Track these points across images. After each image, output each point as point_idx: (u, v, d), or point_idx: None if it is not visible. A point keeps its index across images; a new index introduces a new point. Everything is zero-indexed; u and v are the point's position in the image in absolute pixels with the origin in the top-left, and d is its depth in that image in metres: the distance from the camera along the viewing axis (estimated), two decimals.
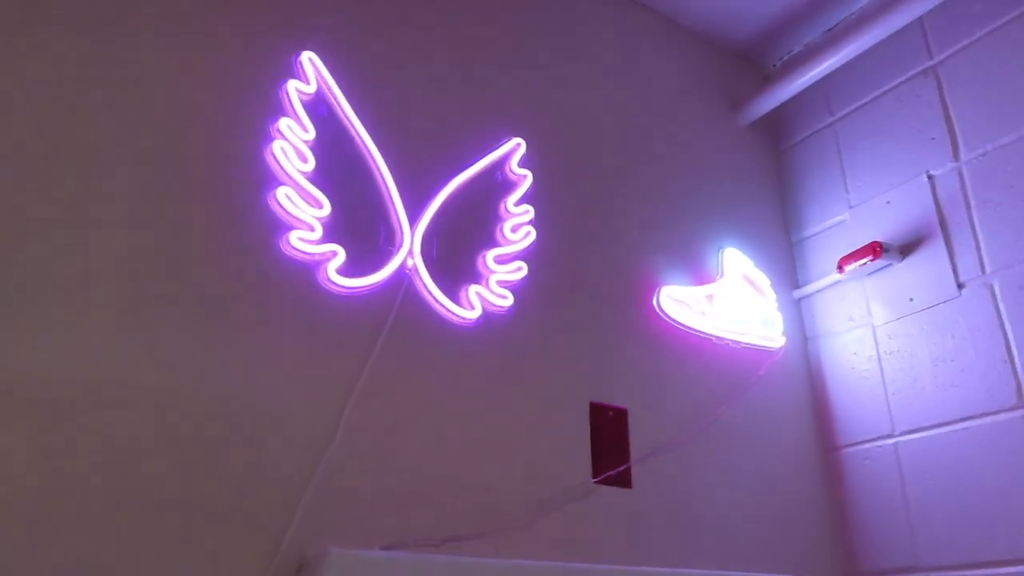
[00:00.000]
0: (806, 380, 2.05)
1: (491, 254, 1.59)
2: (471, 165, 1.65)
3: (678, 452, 1.72)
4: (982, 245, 1.78)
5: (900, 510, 1.81)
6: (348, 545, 1.25)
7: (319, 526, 1.26)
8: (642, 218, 1.91)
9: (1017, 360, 1.67)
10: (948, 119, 1.91)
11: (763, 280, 2.03)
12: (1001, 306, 1.72)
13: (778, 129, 2.35)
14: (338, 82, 1.53)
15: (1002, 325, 1.71)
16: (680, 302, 1.85)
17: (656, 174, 2.01)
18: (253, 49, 1.47)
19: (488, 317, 1.56)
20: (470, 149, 1.67)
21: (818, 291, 2.10)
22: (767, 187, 2.26)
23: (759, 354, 1.95)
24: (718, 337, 1.89)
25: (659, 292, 1.82)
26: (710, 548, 1.69)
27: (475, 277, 1.57)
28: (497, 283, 1.58)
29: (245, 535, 1.19)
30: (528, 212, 1.68)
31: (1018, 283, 1.70)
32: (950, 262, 1.83)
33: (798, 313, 2.13)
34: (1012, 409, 1.66)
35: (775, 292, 2.05)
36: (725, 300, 1.93)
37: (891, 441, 1.86)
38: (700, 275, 1.96)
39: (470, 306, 1.53)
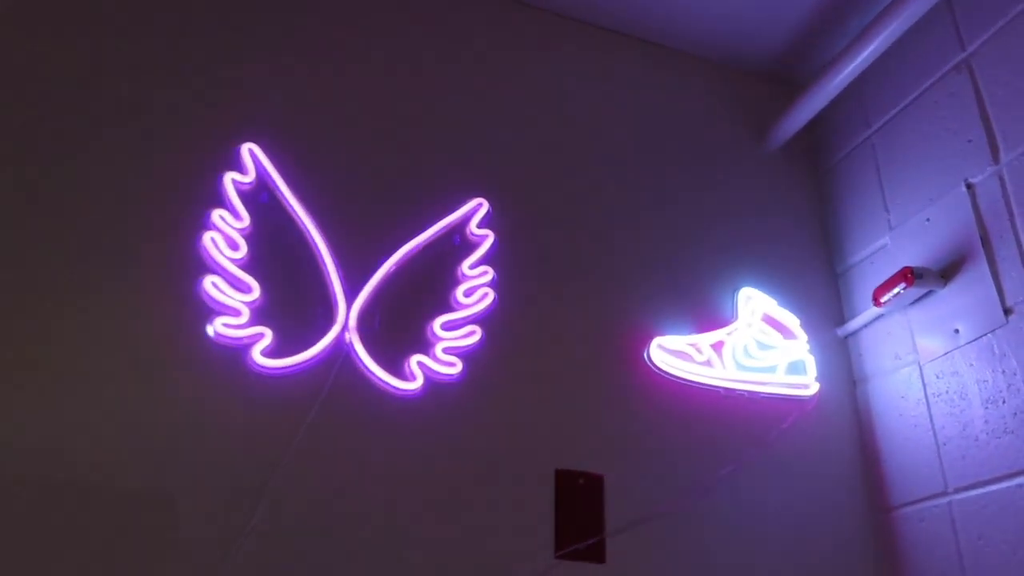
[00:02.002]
0: (851, 430, 1.79)
1: (439, 321, 1.55)
2: (425, 229, 1.63)
3: (674, 522, 1.56)
4: None
5: None
6: None
7: None
8: (635, 267, 1.78)
9: None
10: (985, 117, 1.63)
11: (791, 320, 1.81)
12: None
13: (814, 150, 2.12)
14: (280, 168, 1.57)
15: None
16: (678, 353, 1.70)
17: (659, 217, 1.87)
18: (194, 142, 1.55)
19: (435, 386, 1.51)
20: (426, 214, 1.65)
21: (861, 327, 1.85)
22: (803, 215, 2.03)
23: (785, 404, 1.74)
24: (727, 389, 1.70)
25: (650, 344, 1.68)
26: None
27: (421, 346, 1.54)
28: (443, 350, 1.53)
29: None
30: (486, 273, 1.62)
31: None
32: (995, 283, 1.54)
33: (844, 353, 1.88)
34: None
35: (809, 332, 1.82)
36: (738, 346, 1.75)
37: (945, 500, 1.57)
38: (713, 322, 1.79)
39: (412, 376, 1.49)
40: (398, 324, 1.54)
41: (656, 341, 1.69)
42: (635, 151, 1.93)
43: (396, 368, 1.50)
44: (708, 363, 1.72)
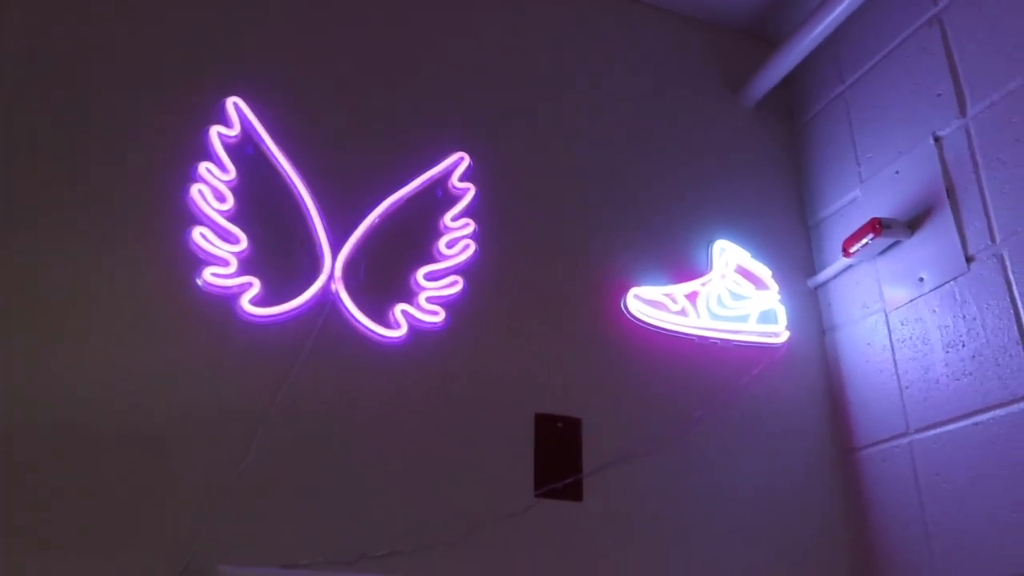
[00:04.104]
0: (819, 377, 1.86)
1: (422, 271, 1.60)
2: (408, 182, 1.67)
3: (648, 463, 1.63)
4: (991, 211, 1.55)
5: (917, 518, 1.60)
6: (259, 562, 1.31)
7: (228, 543, 1.31)
8: (612, 220, 1.83)
9: None
10: (954, 70, 1.68)
11: (763, 271, 1.87)
12: (1011, 278, 1.49)
13: (791, 106, 2.17)
14: (264, 121, 1.60)
15: (1012, 301, 1.48)
16: (654, 303, 1.75)
17: (642, 170, 1.92)
18: (179, 97, 1.57)
19: (418, 334, 1.56)
20: (409, 167, 1.68)
21: (831, 278, 1.91)
22: (778, 169, 2.08)
23: (757, 352, 1.80)
24: (701, 337, 1.76)
25: (627, 294, 1.74)
26: (690, 560, 1.58)
27: (405, 296, 1.58)
28: (427, 300, 1.58)
29: (150, 551, 1.27)
30: (468, 225, 1.67)
31: None
32: (958, 233, 1.61)
33: (814, 303, 1.95)
34: None
35: (781, 283, 1.88)
36: (712, 296, 1.81)
37: (906, 440, 1.65)
38: (688, 272, 1.84)
39: (396, 324, 1.55)
40: (382, 274, 1.59)
41: (633, 291, 1.74)
42: (613, 106, 1.97)
43: (381, 317, 1.55)
44: (683, 312, 1.77)
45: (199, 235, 1.47)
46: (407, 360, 1.54)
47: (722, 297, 1.81)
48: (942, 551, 1.53)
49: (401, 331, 1.54)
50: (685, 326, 1.76)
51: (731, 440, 1.72)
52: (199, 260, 1.47)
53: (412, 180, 1.67)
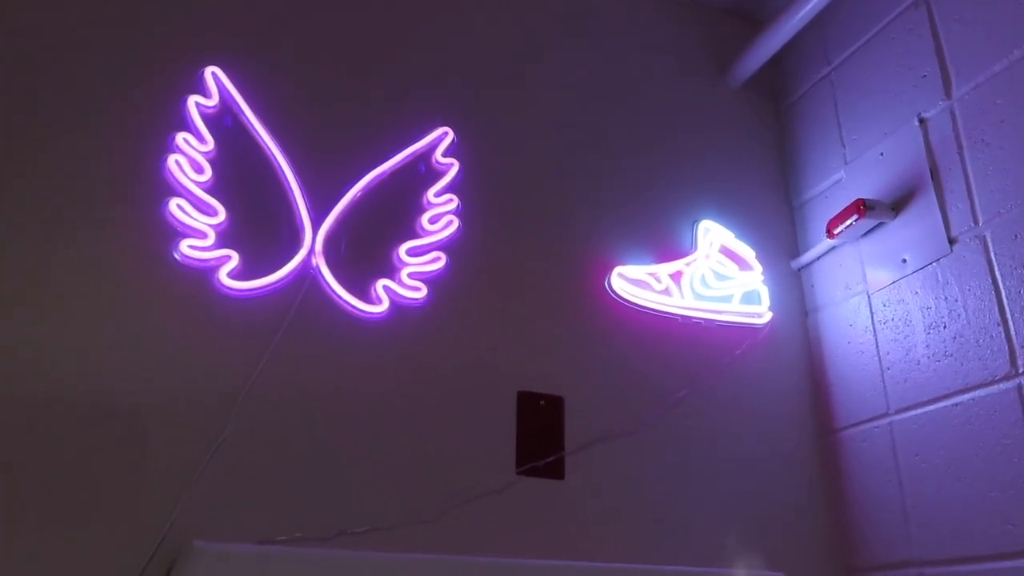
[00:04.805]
0: (801, 357, 1.86)
1: (404, 247, 1.58)
2: (392, 156, 1.64)
3: (630, 442, 1.62)
4: (974, 193, 1.55)
5: (895, 498, 1.61)
6: (235, 538, 1.29)
7: (204, 519, 1.29)
8: (597, 198, 1.82)
9: (1011, 322, 1.44)
10: (940, 52, 1.67)
11: (747, 252, 1.87)
12: (993, 260, 1.49)
13: (777, 87, 2.16)
14: (243, 92, 1.57)
15: (994, 282, 1.48)
16: (638, 282, 1.74)
17: (627, 148, 1.90)
18: (157, 66, 1.54)
19: (400, 310, 1.55)
20: (392, 142, 1.66)
21: (815, 259, 1.91)
22: (763, 150, 2.08)
23: (740, 332, 1.80)
24: (685, 317, 1.76)
25: (611, 273, 1.73)
26: (669, 541, 1.58)
27: (387, 271, 1.56)
28: (409, 275, 1.56)
29: (126, 526, 1.25)
30: (451, 201, 1.65)
31: (1010, 232, 1.47)
32: (942, 215, 1.61)
33: (797, 284, 1.95)
34: (1005, 379, 1.43)
35: (766, 264, 1.88)
36: (696, 276, 1.80)
37: (886, 421, 1.66)
38: (672, 252, 1.84)
39: (377, 300, 1.53)
40: (364, 249, 1.57)
41: (617, 270, 1.73)
42: (599, 84, 1.95)
43: (362, 292, 1.53)
44: (667, 292, 1.77)
45: (176, 207, 1.44)
46: (388, 336, 1.52)
47: (706, 277, 1.81)
48: (919, 530, 1.54)
49: (383, 307, 1.53)
50: (669, 305, 1.75)
51: (713, 420, 1.72)
52: (176, 232, 1.44)
53: (395, 154, 1.64)
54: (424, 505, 1.43)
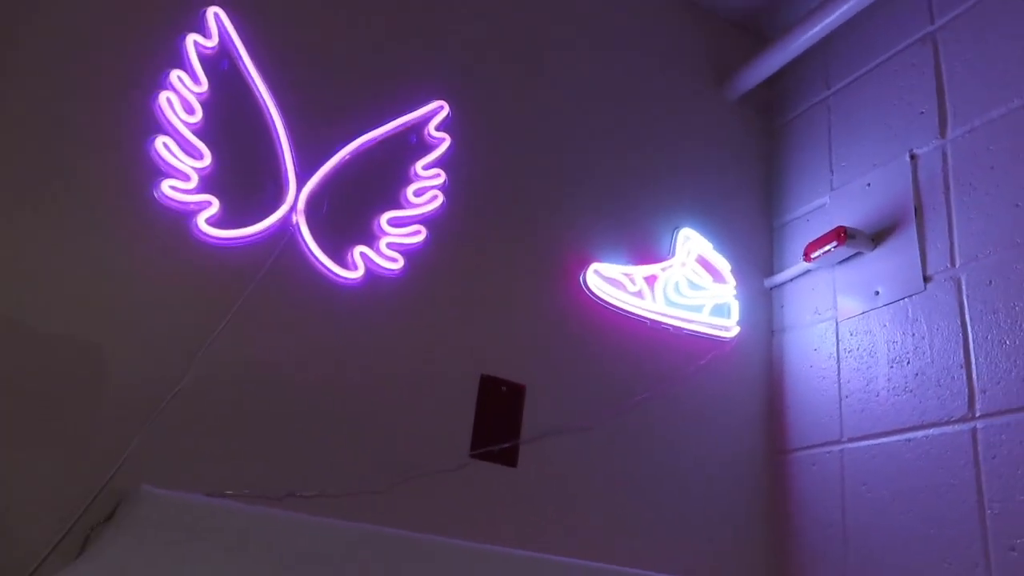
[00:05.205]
0: (763, 375, 1.89)
1: (386, 216, 1.57)
2: (384, 124, 1.62)
3: (586, 438, 1.63)
4: (955, 234, 1.58)
5: (836, 523, 1.63)
6: (184, 488, 1.27)
7: (154, 464, 1.27)
8: (583, 192, 1.81)
9: (974, 366, 1.47)
10: (941, 91, 1.69)
11: (723, 265, 1.88)
12: (965, 303, 1.52)
13: (772, 105, 2.17)
14: (244, 38, 1.54)
15: (963, 325, 1.51)
16: (613, 281, 1.75)
17: (614, 146, 1.90)
18: (159, 1, 1.51)
19: (375, 279, 1.53)
20: (386, 109, 1.64)
21: (789, 280, 1.93)
22: (752, 166, 2.09)
23: (706, 343, 1.82)
24: (653, 321, 1.77)
25: (587, 268, 1.73)
26: (610, 540, 1.59)
27: (366, 238, 1.55)
28: (387, 245, 1.55)
29: (76, 460, 1.22)
30: (439, 176, 1.63)
31: (985, 277, 1.49)
32: (920, 252, 1.63)
33: (768, 303, 1.97)
34: (961, 421, 1.46)
35: (739, 279, 1.90)
36: (670, 283, 1.81)
37: (838, 448, 1.68)
38: (650, 256, 1.84)
39: (353, 266, 1.51)
40: (346, 213, 1.55)
41: (593, 267, 1.73)
42: (597, 80, 1.94)
43: (339, 256, 1.51)
44: (639, 294, 1.77)
45: (162, 145, 1.41)
46: (359, 303, 1.51)
47: (680, 284, 1.82)
48: (857, 558, 1.57)
49: (358, 273, 1.51)
50: (640, 308, 1.76)
51: (669, 426, 1.73)
52: (159, 171, 1.41)
53: (388, 122, 1.62)
54: (375, 476, 1.43)
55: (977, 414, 1.44)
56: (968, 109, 1.62)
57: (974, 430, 1.44)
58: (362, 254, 1.52)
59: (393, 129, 1.63)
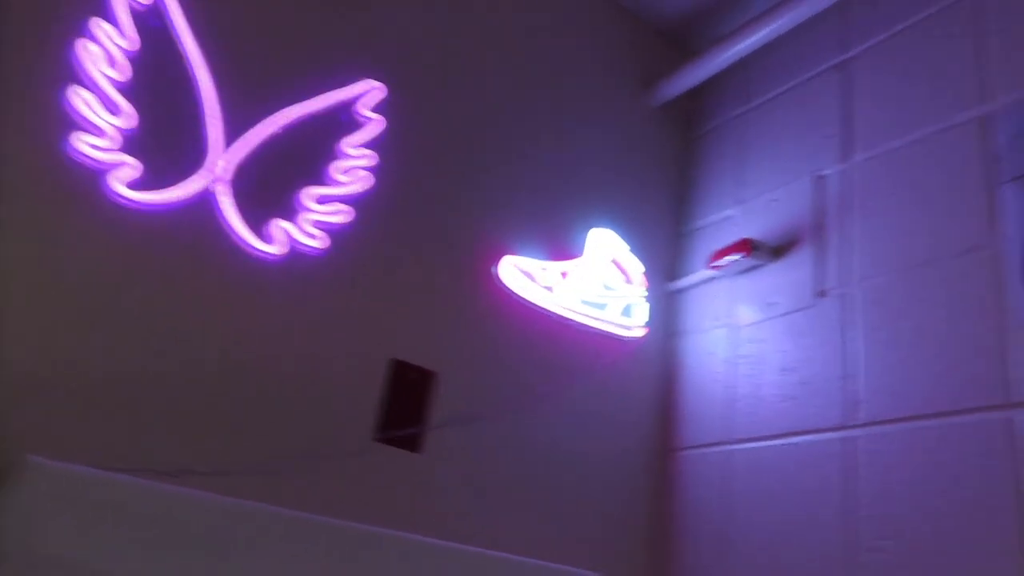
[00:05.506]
0: (661, 376, 1.97)
1: (311, 192, 1.55)
2: (313, 98, 1.61)
3: (491, 428, 1.67)
4: (850, 254, 1.69)
5: (717, 520, 1.74)
6: (73, 459, 1.22)
7: (43, 434, 1.23)
8: (508, 185, 1.85)
9: (854, 380, 1.59)
10: (849, 117, 1.80)
11: (635, 267, 1.96)
12: (852, 319, 1.63)
13: (692, 116, 2.26)
14: None
15: (849, 340, 1.62)
16: (527, 274, 1.79)
17: (537, 142, 1.94)
18: None
19: (295, 255, 1.52)
20: (319, 83, 1.62)
21: (692, 286, 2.03)
22: (668, 173, 2.17)
23: (611, 341, 1.89)
24: (562, 316, 1.82)
25: (502, 260, 1.76)
26: (506, 529, 1.64)
27: (289, 213, 1.53)
28: (310, 222, 1.54)
29: None
30: (368, 157, 1.63)
31: (874, 297, 1.61)
32: (816, 268, 1.74)
33: (671, 306, 2.06)
34: (835, 429, 1.58)
35: (648, 281, 1.97)
36: (582, 280, 1.87)
37: (726, 448, 1.79)
38: (565, 252, 1.89)
39: (273, 240, 1.50)
40: (270, 185, 1.53)
41: (508, 259, 1.77)
42: (528, 75, 1.97)
43: (259, 228, 1.49)
44: (551, 289, 1.82)
45: (79, 97, 1.36)
46: (276, 279, 1.50)
47: (591, 283, 1.88)
48: (735, 552, 1.68)
49: (277, 248, 1.50)
50: (551, 303, 1.81)
51: (572, 419, 1.79)
52: (74, 125, 1.36)
53: (321, 96, 1.61)
54: (276, 456, 1.42)
55: (855, 423, 1.56)
56: (872, 136, 1.74)
57: (844, 439, 1.56)
58: (284, 229, 1.51)
59: (325, 104, 1.61)
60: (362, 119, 1.65)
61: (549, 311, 1.80)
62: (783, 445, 1.67)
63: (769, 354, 1.77)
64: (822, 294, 1.71)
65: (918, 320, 1.53)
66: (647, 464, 1.88)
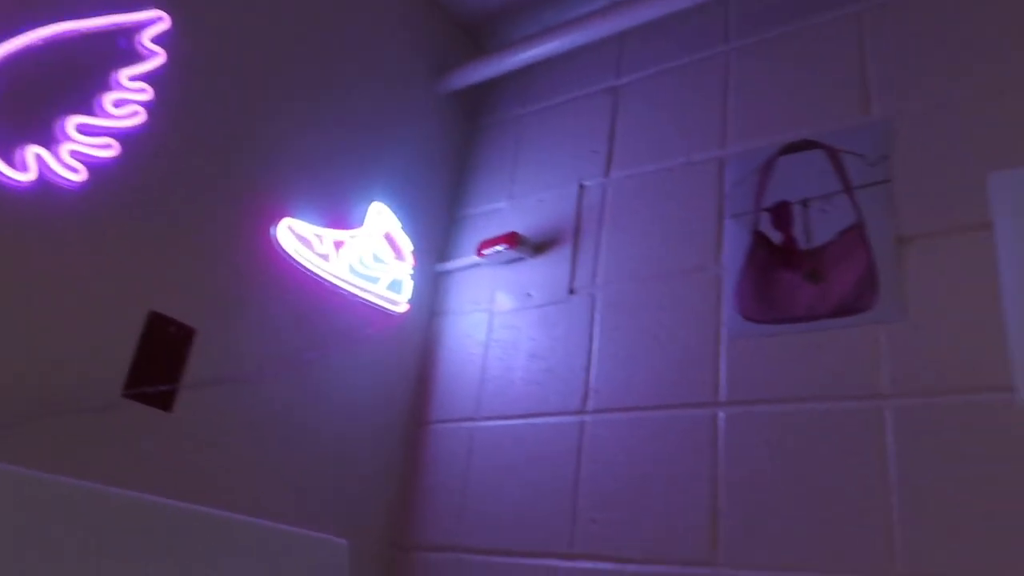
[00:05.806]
0: (419, 351, 2.05)
1: (75, 120, 1.42)
2: (89, 17, 1.46)
3: (250, 390, 1.64)
4: (600, 259, 1.87)
5: (458, 490, 1.85)
6: None
7: None
8: (291, 147, 1.81)
9: (591, 369, 1.76)
10: (612, 136, 1.99)
11: (406, 244, 2.00)
12: (596, 317, 1.81)
13: (477, 108, 2.36)
14: None
15: (591, 335, 1.80)
16: (303, 239, 1.77)
17: (325, 108, 1.91)
18: None
19: (48, 187, 1.38)
20: (98, 1, 1.48)
21: (457, 270, 2.12)
22: (447, 159, 2.24)
23: (377, 313, 1.92)
24: (333, 284, 1.83)
25: (280, 222, 1.73)
26: (250, 493, 1.62)
27: (45, 139, 1.39)
28: (70, 153, 1.40)
29: None
30: (144, 91, 1.52)
31: (613, 299, 1.80)
32: (571, 268, 1.90)
33: (436, 286, 2.14)
34: (574, 413, 1.75)
35: (417, 260, 2.03)
36: (356, 251, 1.88)
37: (470, 424, 1.90)
38: (342, 222, 1.89)
39: (24, 168, 1.35)
40: (26, 106, 1.38)
41: (286, 222, 1.74)
42: (322, 40, 1.94)
43: (7, 152, 1.34)
44: (325, 257, 1.82)
45: None
46: (24, 211, 1.36)
47: (364, 255, 1.90)
48: (471, 521, 1.79)
49: (28, 176, 1.35)
50: (323, 270, 1.81)
51: (330, 386, 1.81)
52: None
53: (97, 16, 1.47)
54: (11, 411, 1.30)
55: (587, 409, 1.74)
56: (628, 159, 1.93)
57: (582, 423, 1.74)
58: (37, 156, 1.36)
59: (103, 25, 1.47)
60: (143, 50, 1.53)
61: (321, 278, 1.80)
62: (524, 425, 1.81)
63: (521, 341, 1.91)
64: (573, 292, 1.88)
65: (647, 324, 1.73)
66: (400, 434, 1.95)
